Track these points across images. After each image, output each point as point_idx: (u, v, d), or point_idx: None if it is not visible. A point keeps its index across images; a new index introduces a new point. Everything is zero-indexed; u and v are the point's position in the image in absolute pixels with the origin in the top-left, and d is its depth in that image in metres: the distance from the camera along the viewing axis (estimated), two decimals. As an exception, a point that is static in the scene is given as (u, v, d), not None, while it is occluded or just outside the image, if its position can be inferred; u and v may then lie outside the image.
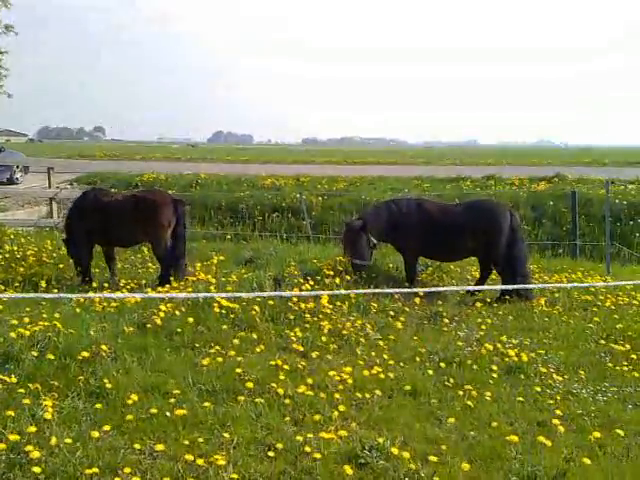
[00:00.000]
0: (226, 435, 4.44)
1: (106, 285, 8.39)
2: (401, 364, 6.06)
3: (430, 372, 5.81)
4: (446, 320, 7.51)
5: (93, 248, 9.26)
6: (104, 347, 5.80)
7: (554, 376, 5.81)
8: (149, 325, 6.63)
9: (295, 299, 7.25)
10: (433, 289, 7.52)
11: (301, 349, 6.24)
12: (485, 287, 8.81)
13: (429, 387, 5.51)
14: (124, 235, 9.06)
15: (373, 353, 6.31)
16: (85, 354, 5.58)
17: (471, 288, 8.68)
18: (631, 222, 15.58)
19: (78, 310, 7.05)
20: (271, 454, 4.24)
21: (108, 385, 5.12)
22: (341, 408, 4.91)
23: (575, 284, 8.12)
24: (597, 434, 4.55)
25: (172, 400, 4.93)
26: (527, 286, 8.43)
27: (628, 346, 6.54)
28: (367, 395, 5.24)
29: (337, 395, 5.19)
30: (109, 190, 10.05)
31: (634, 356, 6.29)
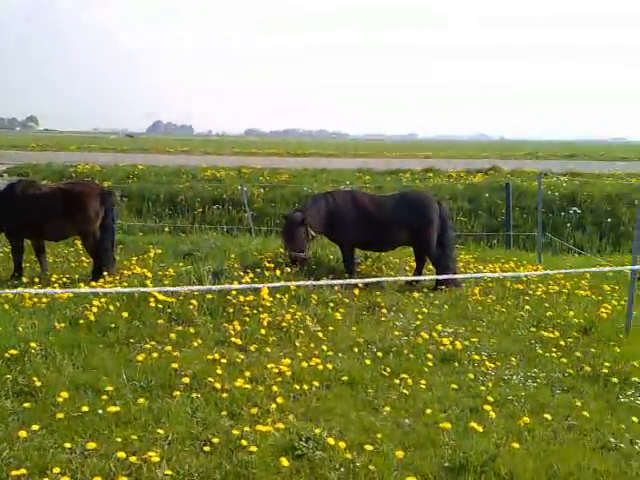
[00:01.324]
0: (161, 431, 4.38)
1: (37, 280, 8.12)
2: (339, 355, 6.11)
3: (367, 362, 5.86)
4: (384, 310, 7.62)
5: (23, 242, 8.95)
6: (33, 344, 5.63)
7: (487, 363, 5.96)
8: (82, 321, 6.46)
9: (234, 292, 7.19)
10: (372, 280, 7.58)
11: (240, 342, 6.20)
12: (422, 277, 8.96)
13: (366, 377, 5.56)
14: (52, 228, 8.77)
15: (312, 345, 6.33)
16: (13, 352, 5.40)
17: (407, 278, 8.85)
18: (562, 213, 16.11)
19: (6, 306, 6.80)
20: (207, 449, 4.20)
21: (37, 383, 4.98)
22: (279, 400, 4.91)
23: (509, 274, 8.35)
24: (526, 419, 4.70)
25: (105, 397, 4.83)
26: (462, 276, 8.65)
27: (557, 333, 6.77)
28: (305, 387, 5.25)
29: (275, 388, 5.18)
30: (36, 182, 9.70)
31: (562, 343, 6.52)
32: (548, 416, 4.82)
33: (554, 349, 6.39)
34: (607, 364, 5.87)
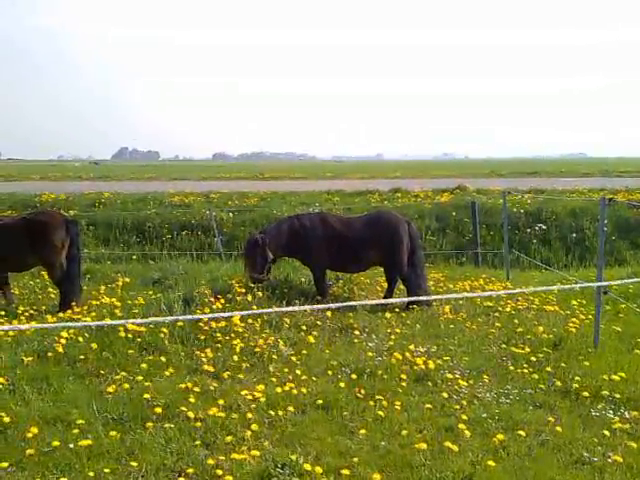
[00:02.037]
0: (134, 464, 4.30)
1: (3, 313, 7.94)
2: (313, 378, 6.08)
3: (342, 385, 5.85)
4: (357, 332, 7.61)
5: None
6: (1, 379, 5.53)
7: (460, 382, 5.99)
8: (50, 353, 6.34)
9: (206, 319, 7.12)
10: (345, 304, 7.59)
11: (212, 370, 6.14)
12: (396, 300, 8.97)
13: (341, 400, 5.55)
14: (15, 259, 8.61)
15: (286, 369, 6.29)
16: (-20, 388, 5.27)
17: (383, 301, 8.86)
18: (528, 230, 16.38)
19: (-28, 341, 6.64)
20: (182, 480, 4.14)
21: (6, 419, 4.88)
22: (254, 427, 4.86)
23: (475, 294, 8.44)
24: (501, 436, 4.74)
25: (76, 431, 4.73)
26: (436, 297, 8.72)
27: (528, 349, 6.84)
28: (280, 412, 5.21)
29: (250, 414, 5.14)
30: None
31: (533, 358, 6.59)
32: (522, 432, 4.86)
33: (525, 365, 6.46)
34: (577, 378, 5.96)
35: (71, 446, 4.51)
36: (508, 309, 8.66)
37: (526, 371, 6.29)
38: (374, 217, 9.69)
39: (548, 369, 6.31)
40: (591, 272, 11.72)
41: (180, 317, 5.27)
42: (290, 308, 4.94)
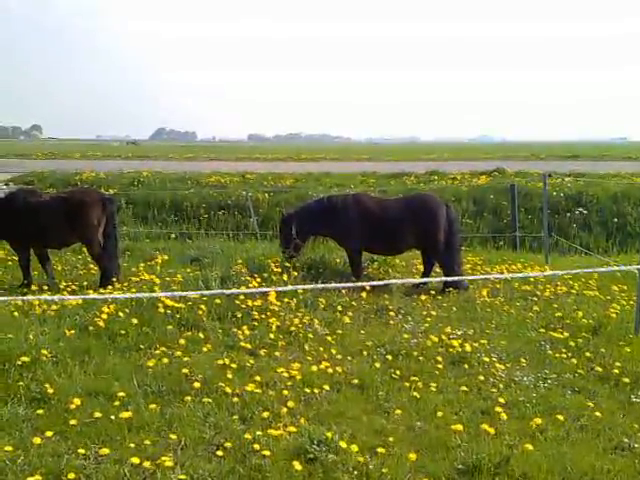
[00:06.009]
0: (173, 436, 4.39)
1: (46, 288, 8.15)
2: (349, 358, 6.11)
3: (377, 365, 5.87)
4: (392, 313, 7.61)
5: (29, 250, 8.98)
6: (44, 351, 5.65)
7: (497, 365, 5.95)
8: (91, 327, 6.49)
9: (242, 297, 7.21)
10: (380, 282, 7.58)
11: (249, 347, 6.21)
12: (430, 279, 8.96)
13: (376, 380, 5.56)
14: (54, 236, 8.82)
15: (321, 348, 6.33)
16: (25, 359, 5.41)
17: (416, 281, 8.81)
18: (568, 214, 16.04)
19: (16, 314, 6.82)
20: (220, 453, 4.22)
21: (49, 390, 5.01)
22: (290, 404, 4.92)
23: (517, 275, 8.31)
24: (538, 420, 4.69)
25: (117, 403, 4.84)
26: (470, 277, 8.64)
27: (567, 334, 6.75)
28: (316, 390, 5.26)
29: (286, 392, 5.19)
30: (37, 190, 9.78)
31: (572, 343, 6.50)
32: (560, 417, 4.81)
33: (564, 350, 6.38)
34: (618, 364, 5.86)
35: (112, 418, 4.61)
36: (547, 294, 8.53)
37: (564, 356, 6.22)
38: (413, 199, 9.62)
39: (587, 354, 6.22)
40: (633, 258, 11.46)
41: (218, 291, 5.33)
42: (326, 285, 4.96)
